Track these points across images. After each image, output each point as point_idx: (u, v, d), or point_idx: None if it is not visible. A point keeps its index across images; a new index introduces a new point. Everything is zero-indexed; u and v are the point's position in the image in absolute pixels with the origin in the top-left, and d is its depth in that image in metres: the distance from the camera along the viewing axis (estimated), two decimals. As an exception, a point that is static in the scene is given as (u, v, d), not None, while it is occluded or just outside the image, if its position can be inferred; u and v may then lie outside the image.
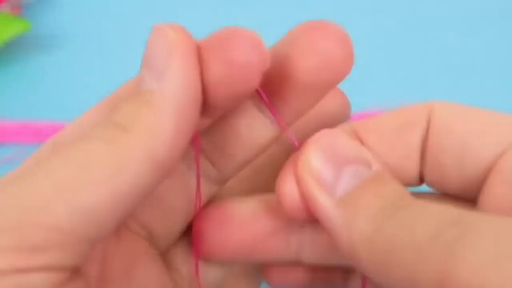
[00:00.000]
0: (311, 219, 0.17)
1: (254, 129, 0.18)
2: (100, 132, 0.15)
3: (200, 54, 0.16)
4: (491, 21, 0.45)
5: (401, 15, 0.46)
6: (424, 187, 0.20)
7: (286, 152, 0.19)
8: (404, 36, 0.44)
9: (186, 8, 0.46)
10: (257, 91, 0.18)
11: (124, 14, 0.46)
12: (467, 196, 0.18)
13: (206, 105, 0.17)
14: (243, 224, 0.19)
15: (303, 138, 0.18)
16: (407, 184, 0.19)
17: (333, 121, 0.21)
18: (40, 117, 0.38)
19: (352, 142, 0.18)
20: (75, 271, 0.15)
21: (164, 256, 0.20)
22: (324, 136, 0.17)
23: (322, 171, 0.17)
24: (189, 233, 0.20)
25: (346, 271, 0.21)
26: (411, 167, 0.19)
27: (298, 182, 0.17)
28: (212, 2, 0.47)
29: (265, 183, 0.21)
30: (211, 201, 0.20)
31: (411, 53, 0.43)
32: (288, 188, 0.17)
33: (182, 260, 0.21)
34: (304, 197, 0.17)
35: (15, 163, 0.35)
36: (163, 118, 0.15)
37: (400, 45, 0.43)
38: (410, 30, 0.44)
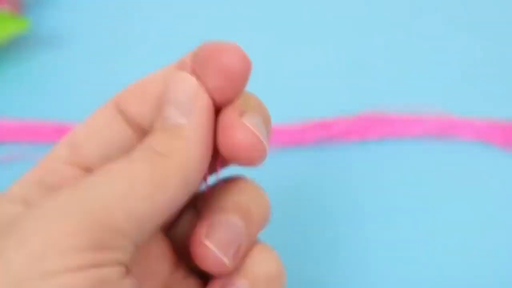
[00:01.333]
0: None
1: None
2: (143, 156, 0.19)
3: (194, 70, 0.21)
4: (490, 26, 0.45)
5: (403, 18, 0.46)
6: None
7: None
8: (405, 38, 0.44)
9: (185, 7, 0.46)
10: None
11: (124, 13, 0.46)
12: None
13: None
14: None
15: None
16: None
17: None
18: (40, 116, 0.38)
19: None
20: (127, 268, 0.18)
21: None
22: None
23: None
24: None
25: None
26: None
27: None
28: (209, 2, 0.47)
29: None
30: None
31: (413, 56, 0.42)
32: None
33: None
34: None
35: (15, 163, 0.35)
36: (193, 147, 0.20)
37: (401, 47, 0.43)
38: (412, 33, 0.44)
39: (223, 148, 0.20)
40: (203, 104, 0.20)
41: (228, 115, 0.21)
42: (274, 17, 0.45)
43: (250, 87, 0.41)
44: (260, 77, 0.41)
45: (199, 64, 0.21)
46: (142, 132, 0.22)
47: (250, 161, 0.20)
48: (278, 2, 0.46)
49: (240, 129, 0.20)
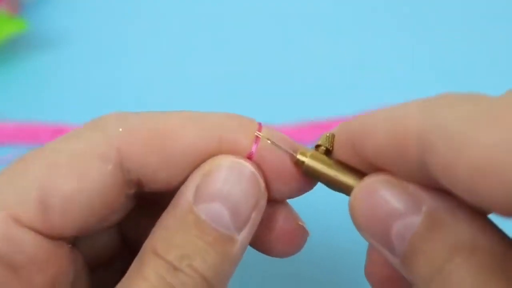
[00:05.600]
0: None
1: None
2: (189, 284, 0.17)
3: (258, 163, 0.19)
4: (489, 24, 0.45)
5: (404, 18, 0.46)
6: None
7: None
8: (406, 39, 0.44)
9: (183, 7, 0.46)
10: None
11: (123, 14, 0.46)
12: None
13: None
14: None
15: None
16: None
17: None
18: (38, 117, 0.37)
19: (399, 191, 0.17)
20: None
21: None
22: (367, 191, 0.18)
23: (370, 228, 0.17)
24: None
25: None
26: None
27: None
28: (210, 2, 0.47)
29: None
30: None
31: (413, 55, 0.42)
32: None
33: None
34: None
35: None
36: (234, 269, 0.18)
37: (401, 47, 0.43)
38: (413, 33, 0.44)
39: (273, 248, 0.20)
40: (260, 216, 0.18)
41: (289, 222, 0.20)
42: (273, 17, 0.45)
43: (250, 87, 0.41)
44: (260, 77, 0.41)
45: (268, 163, 0.18)
46: (141, 196, 0.19)
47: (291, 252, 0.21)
48: (278, 2, 0.46)
49: (299, 236, 0.20)
